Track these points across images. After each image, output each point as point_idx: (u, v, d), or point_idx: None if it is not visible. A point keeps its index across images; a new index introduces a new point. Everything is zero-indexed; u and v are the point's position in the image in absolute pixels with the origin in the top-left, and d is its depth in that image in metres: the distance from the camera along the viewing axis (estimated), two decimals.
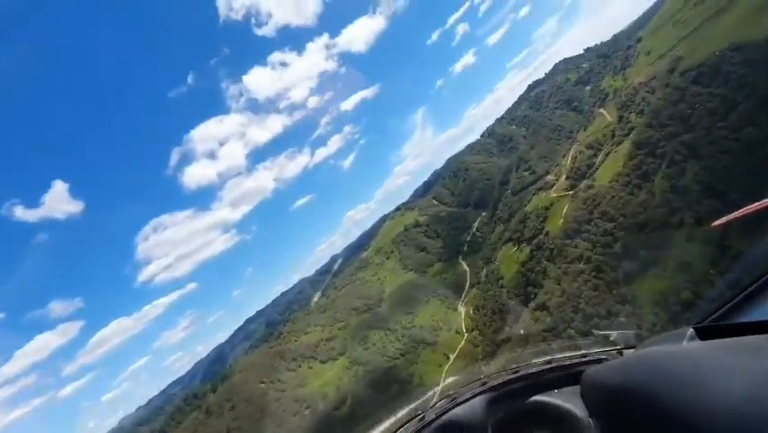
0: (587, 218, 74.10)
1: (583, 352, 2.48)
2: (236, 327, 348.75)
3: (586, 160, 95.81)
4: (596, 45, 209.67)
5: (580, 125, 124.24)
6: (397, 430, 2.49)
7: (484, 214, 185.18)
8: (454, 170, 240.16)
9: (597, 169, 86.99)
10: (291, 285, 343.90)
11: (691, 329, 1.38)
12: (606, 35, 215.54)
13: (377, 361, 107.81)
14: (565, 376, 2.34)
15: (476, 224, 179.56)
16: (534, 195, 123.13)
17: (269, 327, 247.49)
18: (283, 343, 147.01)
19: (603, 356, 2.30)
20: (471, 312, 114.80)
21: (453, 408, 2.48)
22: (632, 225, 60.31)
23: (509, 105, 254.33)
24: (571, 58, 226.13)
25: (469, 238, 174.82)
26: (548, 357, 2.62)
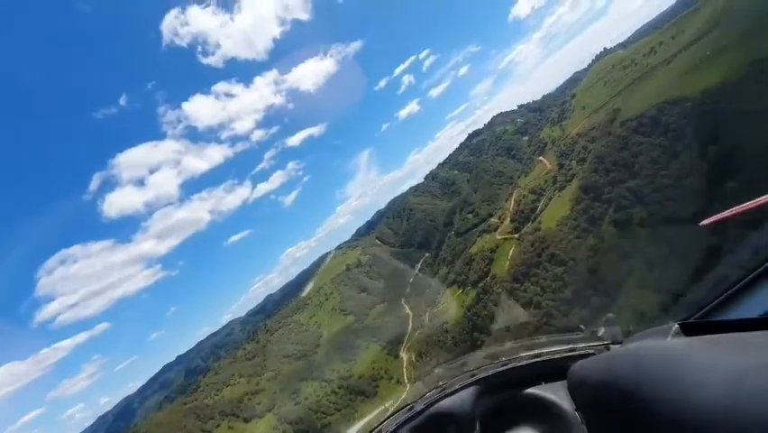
0: (535, 261, 72.05)
1: (571, 346, 2.48)
2: (150, 376, 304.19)
3: (530, 204, 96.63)
4: (528, 103, 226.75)
5: (521, 172, 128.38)
6: (385, 420, 2.52)
7: (427, 255, 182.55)
8: (398, 211, 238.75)
9: (541, 212, 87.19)
10: (220, 327, 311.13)
11: (676, 325, 1.40)
12: (536, 96, 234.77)
13: (309, 418, 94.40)
14: (553, 370, 2.33)
15: (419, 265, 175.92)
16: (478, 237, 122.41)
17: (189, 375, 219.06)
18: (201, 397, 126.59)
19: (590, 351, 2.33)
20: (414, 359, 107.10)
21: (442, 399, 2.50)
22: (583, 270, 58.53)
23: (450, 152, 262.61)
24: (506, 112, 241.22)
25: (412, 279, 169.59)
26: (536, 351, 2.60)
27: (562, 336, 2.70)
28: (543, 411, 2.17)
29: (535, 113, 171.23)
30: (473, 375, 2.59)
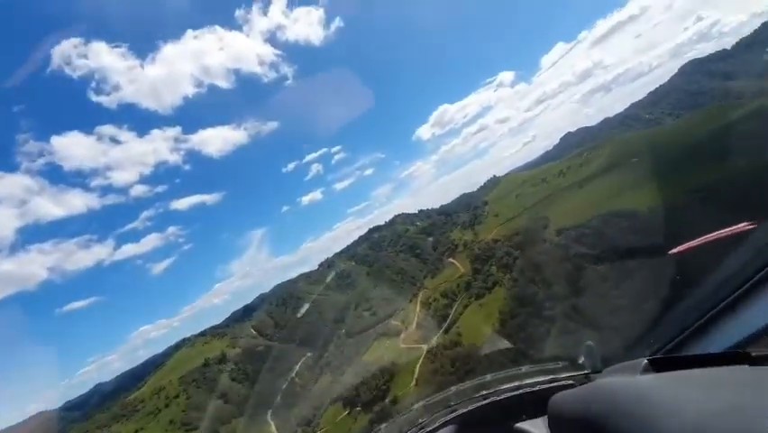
0: (454, 383, 55.23)
1: (551, 377, 2.47)
2: None
3: (441, 309, 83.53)
4: (427, 209, 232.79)
5: (427, 272, 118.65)
6: None
7: (310, 354, 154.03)
8: (283, 298, 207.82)
9: (456, 321, 73.66)
10: (26, 417, 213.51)
11: (646, 361, 1.40)
12: (429, 207, 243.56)
13: None
14: (534, 401, 2.31)
15: (298, 367, 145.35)
16: (375, 340, 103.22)
17: None
18: None
19: (570, 381, 2.33)
20: None
21: None
22: None
23: (349, 243, 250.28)
24: (408, 214, 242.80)
25: (286, 385, 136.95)
26: (517, 383, 2.59)
27: (543, 366, 2.63)
28: None
29: (441, 216, 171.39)
30: (454, 411, 2.54)
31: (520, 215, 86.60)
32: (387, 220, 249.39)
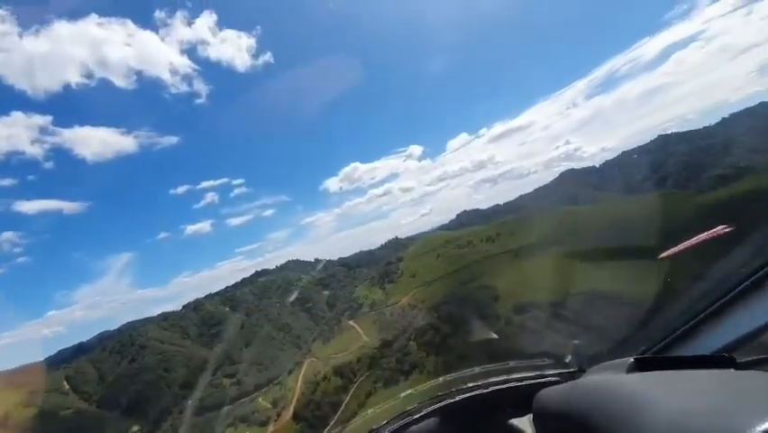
0: None
1: (538, 373, 2.49)
2: None
3: (331, 392, 59.49)
4: (325, 259, 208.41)
5: (318, 334, 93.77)
6: None
7: (136, 429, 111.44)
8: (125, 342, 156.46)
9: (352, 416, 50.34)
10: None
11: (632, 360, 1.42)
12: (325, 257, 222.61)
13: None
14: (520, 396, 2.34)
15: None
16: (230, 426, 72.29)
17: None
18: None
19: (557, 378, 2.36)
20: None
21: (408, 424, 2.49)
22: None
23: (228, 284, 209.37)
24: (303, 261, 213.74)
25: None
26: (504, 377, 2.60)
27: (531, 361, 2.67)
28: None
29: (342, 267, 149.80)
30: (440, 400, 2.55)
31: (444, 278, 70.89)
32: (278, 265, 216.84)
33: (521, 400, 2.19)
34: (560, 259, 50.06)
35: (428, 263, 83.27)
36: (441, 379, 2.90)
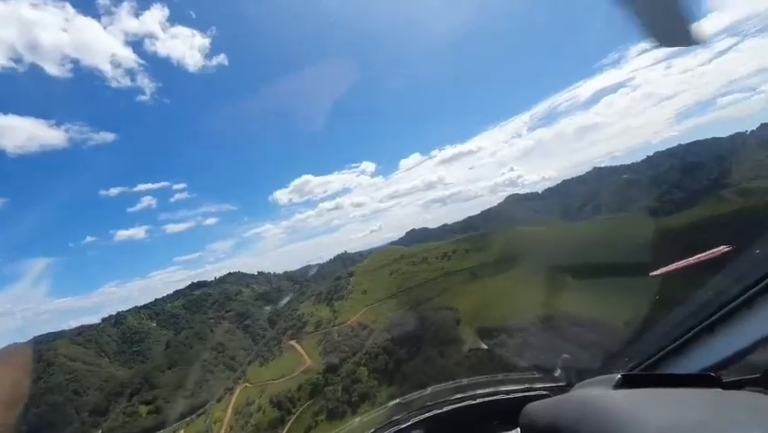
0: None
1: (527, 386, 2.52)
2: None
3: (265, 427, 50.93)
4: (269, 273, 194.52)
5: (255, 355, 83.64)
6: None
7: None
8: (33, 358, 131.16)
9: None
10: None
11: (620, 376, 1.43)
12: (271, 270, 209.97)
13: None
14: (507, 409, 2.34)
15: None
16: None
17: None
18: None
19: (545, 392, 2.38)
20: None
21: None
22: None
23: (159, 297, 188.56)
24: (244, 273, 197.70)
25: None
26: (492, 389, 2.61)
27: (520, 375, 2.68)
28: None
29: (287, 282, 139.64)
30: (428, 411, 2.55)
31: (398, 296, 65.73)
32: (217, 276, 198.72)
33: (509, 412, 2.14)
34: (522, 280, 47.13)
35: (381, 279, 77.81)
36: (429, 389, 2.74)
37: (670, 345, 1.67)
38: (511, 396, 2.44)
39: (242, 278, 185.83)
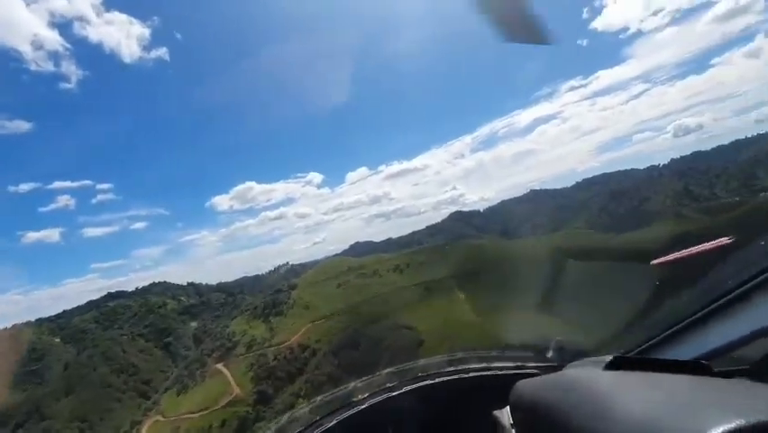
0: None
1: (519, 364, 2.56)
2: None
3: None
4: (202, 283, 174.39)
5: (174, 381, 70.59)
6: (326, 415, 2.43)
7: None
8: None
9: None
10: None
11: (611, 358, 1.46)
12: (204, 281, 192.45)
13: None
14: (498, 384, 2.23)
15: None
16: None
17: None
18: None
19: (536, 371, 2.42)
20: None
21: (387, 400, 2.53)
22: None
23: (70, 307, 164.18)
24: (171, 284, 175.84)
25: None
26: (485, 364, 2.65)
27: (513, 352, 2.76)
28: (483, 423, 2.11)
29: (220, 294, 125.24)
30: (421, 380, 2.61)
31: (347, 313, 58.43)
32: (139, 287, 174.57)
33: (500, 388, 2.09)
34: (486, 297, 42.72)
35: (327, 293, 69.94)
36: (421, 361, 2.80)
37: (662, 333, 1.71)
38: (503, 372, 2.47)
39: (169, 288, 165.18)
